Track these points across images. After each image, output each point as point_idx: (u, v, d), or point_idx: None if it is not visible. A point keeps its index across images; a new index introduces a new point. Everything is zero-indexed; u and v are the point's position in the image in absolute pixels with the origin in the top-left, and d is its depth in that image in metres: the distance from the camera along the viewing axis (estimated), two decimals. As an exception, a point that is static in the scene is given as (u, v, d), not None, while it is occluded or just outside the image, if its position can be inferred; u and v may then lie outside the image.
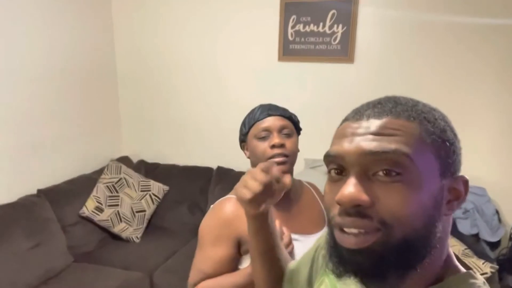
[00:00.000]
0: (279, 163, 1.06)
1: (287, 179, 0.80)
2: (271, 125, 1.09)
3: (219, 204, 1.11)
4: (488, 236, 2.16)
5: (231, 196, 1.12)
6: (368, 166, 0.49)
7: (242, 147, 1.18)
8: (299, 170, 2.65)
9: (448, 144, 0.50)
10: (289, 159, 1.08)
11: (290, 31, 2.66)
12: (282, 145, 1.07)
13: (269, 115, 1.11)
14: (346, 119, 0.56)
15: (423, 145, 0.48)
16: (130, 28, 3.07)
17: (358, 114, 0.54)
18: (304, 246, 1.05)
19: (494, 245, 2.24)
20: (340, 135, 0.54)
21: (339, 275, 0.50)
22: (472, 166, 2.42)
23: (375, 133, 0.49)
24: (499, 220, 2.30)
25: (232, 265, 1.07)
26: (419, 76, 2.49)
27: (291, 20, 2.64)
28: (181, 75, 3.03)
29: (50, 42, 2.51)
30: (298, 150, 1.14)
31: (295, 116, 1.18)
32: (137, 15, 3.03)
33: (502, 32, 2.30)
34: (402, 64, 2.52)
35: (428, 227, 0.48)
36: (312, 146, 2.71)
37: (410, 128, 0.49)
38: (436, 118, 0.52)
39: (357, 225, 0.48)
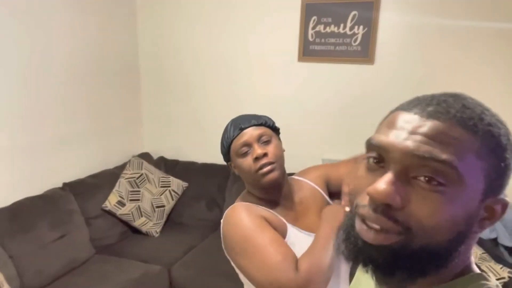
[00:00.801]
0: (268, 172, 1.06)
1: None
2: (248, 138, 1.08)
3: (230, 211, 1.09)
4: (506, 240, 2.13)
5: (238, 203, 1.12)
6: (411, 168, 0.45)
7: (229, 166, 1.17)
8: (317, 170, 2.67)
9: (503, 165, 0.46)
10: (276, 164, 1.08)
11: (310, 32, 2.68)
12: (265, 154, 1.06)
13: (242, 129, 1.10)
14: (401, 108, 0.51)
15: (477, 161, 0.45)
16: (154, 27, 3.14)
17: (417, 107, 0.48)
18: None
19: (513, 251, 2.21)
20: (389, 124, 0.49)
21: (353, 261, 0.50)
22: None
23: (430, 136, 0.45)
24: (519, 225, 2.26)
25: None
26: (440, 78, 2.47)
27: (311, 21, 2.66)
28: (202, 74, 3.08)
29: (76, 41, 2.60)
30: (283, 150, 1.13)
31: (269, 119, 1.15)
32: (161, 14, 3.10)
33: None
34: (422, 66, 2.50)
35: (453, 243, 0.46)
36: (331, 146, 2.73)
37: (470, 140, 0.45)
38: (501, 134, 0.47)
39: (380, 223, 0.46)
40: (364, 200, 0.48)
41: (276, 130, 1.16)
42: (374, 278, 0.52)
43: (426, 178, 0.45)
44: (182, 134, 3.26)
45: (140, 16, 3.14)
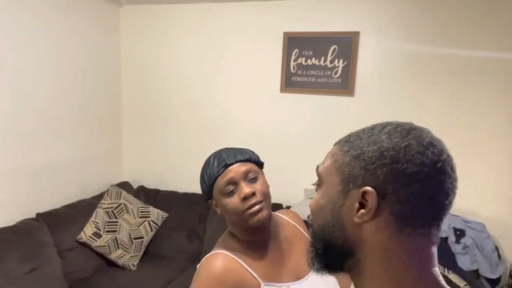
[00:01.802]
0: (256, 212, 1.00)
1: None
2: (234, 176, 1.01)
3: (205, 262, 1.02)
4: (488, 272, 2.14)
5: (216, 251, 1.04)
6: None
7: (210, 204, 1.08)
8: (299, 200, 2.65)
9: (348, 159, 0.60)
10: (265, 202, 1.02)
11: (292, 64, 2.74)
12: (253, 194, 1.00)
13: (227, 166, 1.02)
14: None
15: (333, 163, 0.62)
16: (136, 55, 3.15)
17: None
18: None
19: (494, 282, 2.21)
20: None
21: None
22: (471, 201, 2.43)
23: (326, 156, 0.67)
24: (499, 256, 2.28)
25: None
26: (419, 109, 2.53)
27: (293, 53, 2.72)
28: (184, 103, 3.08)
29: (55, 67, 2.58)
30: (269, 186, 1.07)
31: (253, 153, 1.09)
32: (144, 43, 3.12)
33: (502, 65, 2.35)
34: (402, 98, 2.57)
35: (330, 226, 0.60)
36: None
37: (336, 154, 0.63)
38: (364, 137, 0.62)
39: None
40: None
41: (260, 165, 1.11)
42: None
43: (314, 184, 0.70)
44: (163, 163, 3.22)
45: (123, 45, 3.16)
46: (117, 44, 3.13)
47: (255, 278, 1.01)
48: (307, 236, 1.16)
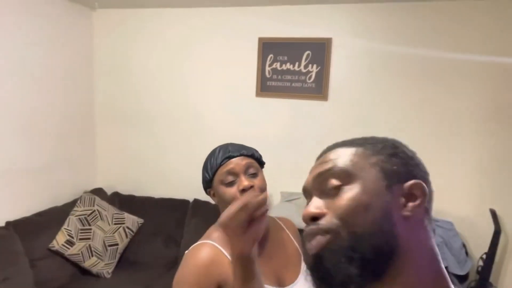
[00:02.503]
0: None
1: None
2: (235, 167, 1.06)
3: (193, 251, 1.05)
4: (456, 269, 2.23)
5: (205, 241, 1.07)
6: (321, 185, 0.59)
7: (208, 193, 1.13)
8: (275, 203, 2.68)
9: (394, 159, 0.58)
10: None
11: (267, 68, 2.77)
12: (251, 187, 1.04)
13: (231, 157, 1.08)
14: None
15: (365, 161, 0.57)
16: (109, 59, 3.11)
17: (321, 153, 0.64)
18: None
19: (462, 278, 2.30)
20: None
21: (315, 283, 0.55)
22: (440, 200, 2.51)
23: (321, 161, 0.61)
24: (466, 253, 2.37)
25: None
26: (391, 113, 2.61)
27: (268, 58, 2.76)
28: (158, 107, 3.06)
29: (27, 70, 2.52)
30: (266, 184, 1.12)
31: (256, 151, 1.16)
32: (117, 47, 3.08)
33: (479, 69, 2.44)
34: (374, 102, 2.64)
35: (379, 224, 0.52)
36: (288, 180, 2.76)
37: (363, 153, 0.58)
38: (379, 141, 0.61)
39: (311, 230, 0.56)
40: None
41: (262, 164, 1.16)
42: None
43: (330, 186, 0.57)
44: (138, 168, 3.18)
45: (97, 49, 3.11)
46: (90, 48, 3.08)
47: None
48: (297, 246, 1.17)
